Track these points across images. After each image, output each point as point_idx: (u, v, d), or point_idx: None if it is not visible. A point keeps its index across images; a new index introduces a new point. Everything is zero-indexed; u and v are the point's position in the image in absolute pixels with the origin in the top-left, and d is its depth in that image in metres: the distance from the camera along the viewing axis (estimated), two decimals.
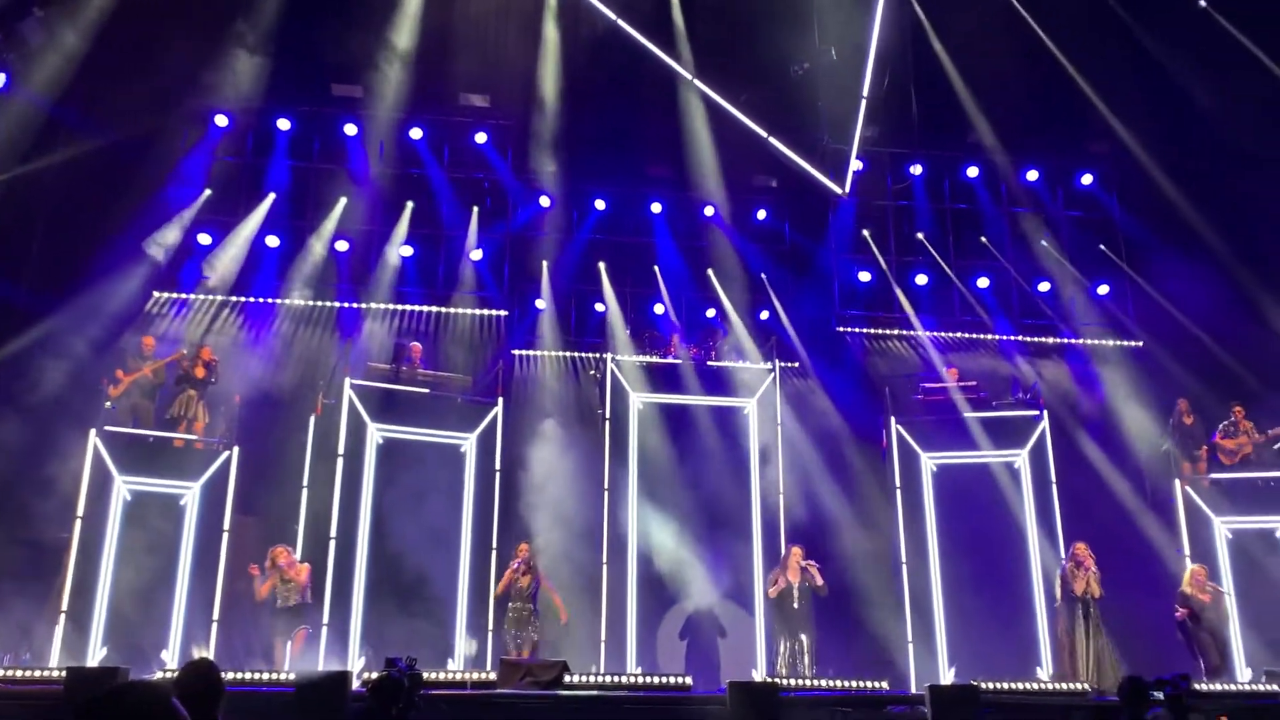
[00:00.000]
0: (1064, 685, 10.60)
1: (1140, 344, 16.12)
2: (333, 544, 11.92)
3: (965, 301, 16.59)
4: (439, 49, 15.30)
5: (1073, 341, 16.33)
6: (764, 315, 15.99)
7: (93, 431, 11.73)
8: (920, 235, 16.83)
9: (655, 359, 14.11)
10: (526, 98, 15.65)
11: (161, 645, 11.31)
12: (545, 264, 15.76)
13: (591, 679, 9.96)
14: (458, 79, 15.93)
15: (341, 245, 15.23)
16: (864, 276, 16.53)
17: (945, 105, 16.38)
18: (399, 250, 15.38)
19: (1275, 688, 10.53)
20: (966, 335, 16.28)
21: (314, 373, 14.00)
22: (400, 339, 14.04)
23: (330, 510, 12.09)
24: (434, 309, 15.30)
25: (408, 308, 15.25)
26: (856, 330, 16.23)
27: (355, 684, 9.13)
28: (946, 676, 12.42)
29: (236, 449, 12.33)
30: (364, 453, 12.41)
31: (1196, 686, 9.30)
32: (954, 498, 13.49)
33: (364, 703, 6.89)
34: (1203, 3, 15.32)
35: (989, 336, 16.26)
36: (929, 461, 13.66)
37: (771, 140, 16.05)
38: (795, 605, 11.77)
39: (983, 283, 16.63)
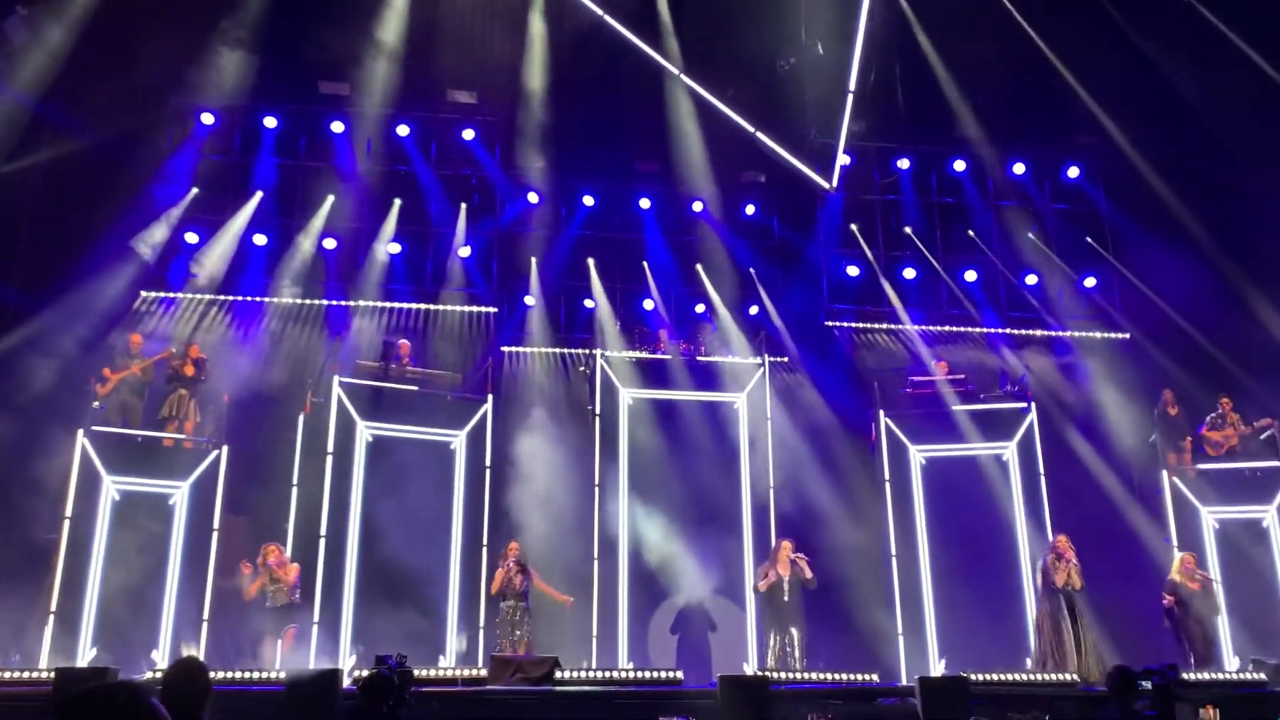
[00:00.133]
0: (1053, 676, 10.65)
1: (1127, 336, 16.20)
2: (323, 542, 11.91)
3: (953, 295, 16.64)
4: (426, 46, 15.28)
5: (1060, 334, 16.40)
6: (753, 310, 16.00)
7: (80, 432, 11.70)
8: (908, 229, 16.87)
9: (645, 355, 14.12)
10: (514, 94, 15.63)
11: (151, 645, 11.30)
12: (534, 260, 15.75)
13: (583, 674, 9.97)
14: (445, 76, 15.89)
15: (329, 243, 15.20)
16: (852, 271, 16.57)
17: (932, 99, 16.41)
18: (387, 247, 15.35)
19: (1262, 676, 10.60)
20: (954, 329, 16.33)
21: (303, 371, 13.97)
22: (389, 336, 14.01)
23: (320, 508, 12.06)
24: (423, 306, 15.28)
25: (396, 305, 15.23)
26: (845, 324, 16.28)
27: (346, 682, 9.14)
28: (936, 668, 12.47)
29: (225, 448, 12.32)
30: (353, 451, 12.39)
31: (1184, 676, 9.37)
32: (943, 490, 13.55)
33: (355, 701, 6.90)
34: None
35: (977, 330, 16.30)
36: (918, 454, 13.71)
37: (759, 135, 16.06)
38: (786, 599, 11.79)
39: (970, 276, 16.68)
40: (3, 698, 8.79)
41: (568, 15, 15.82)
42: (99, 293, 13.47)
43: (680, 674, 10.04)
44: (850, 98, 16.37)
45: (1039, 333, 16.46)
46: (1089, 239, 16.87)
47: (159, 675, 9.05)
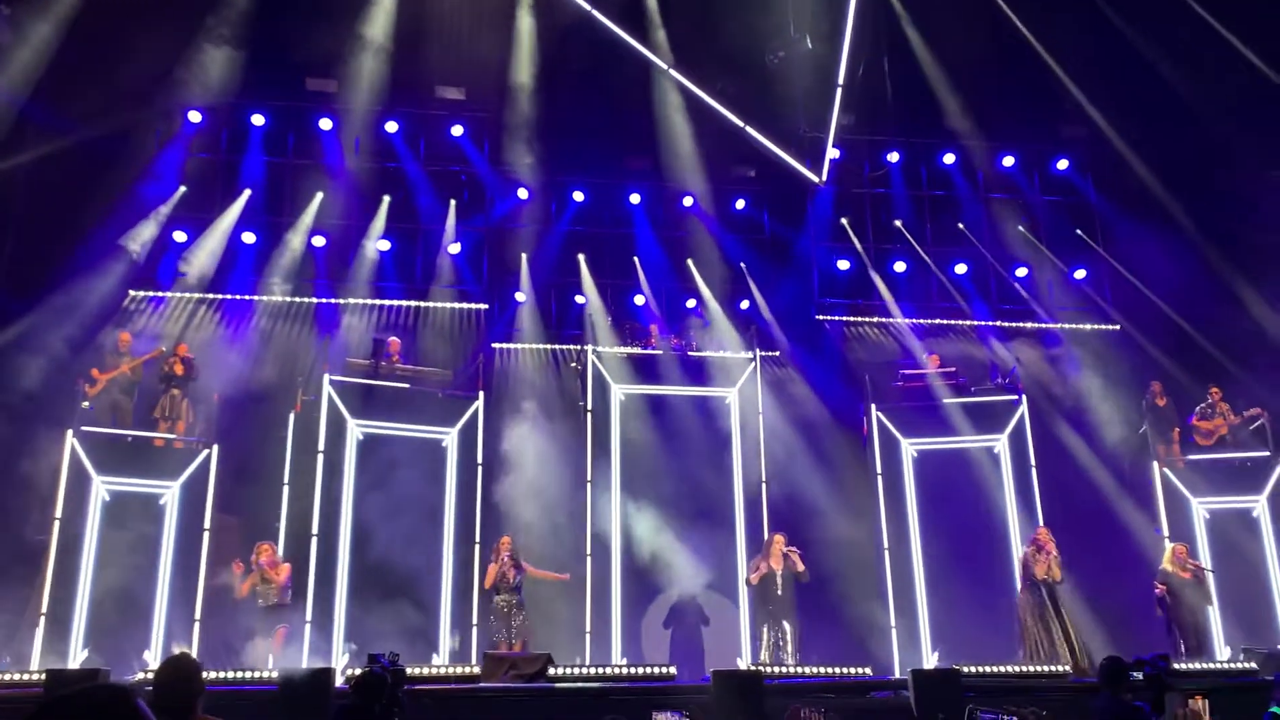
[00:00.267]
0: (1045, 667, 10.68)
1: (1117, 327, 16.24)
2: (314, 541, 11.87)
3: (943, 288, 16.66)
4: (413, 42, 15.23)
5: (1050, 326, 16.43)
6: (744, 305, 16.01)
7: (69, 432, 11.65)
8: (898, 223, 16.89)
9: (636, 350, 14.11)
10: (502, 90, 15.62)
11: (143, 646, 11.26)
12: (524, 256, 15.71)
13: (576, 671, 9.97)
14: (433, 72, 15.86)
15: (318, 240, 15.13)
16: (843, 265, 16.57)
17: (921, 92, 16.43)
18: (376, 244, 15.30)
19: (1253, 665, 10.64)
20: (945, 321, 16.36)
21: (293, 369, 13.93)
22: (379, 334, 13.96)
23: (311, 507, 12.03)
24: (413, 303, 15.26)
25: (386, 302, 15.20)
26: (836, 318, 16.29)
27: (339, 681, 9.13)
28: (929, 661, 12.51)
29: (216, 447, 12.28)
30: (344, 449, 12.35)
31: (1175, 666, 9.40)
32: (935, 483, 13.58)
33: (348, 699, 6.89)
34: None
35: (967, 322, 16.34)
36: (909, 447, 13.73)
37: (748, 129, 16.05)
38: (779, 593, 11.81)
39: (960, 269, 16.70)
40: None
41: (555, 10, 15.78)
42: (87, 292, 13.42)
43: (674, 669, 10.05)
44: (839, 91, 16.38)
45: (1029, 325, 16.50)
46: (1078, 231, 16.92)
47: (149, 676, 9.06)
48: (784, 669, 10.56)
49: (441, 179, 15.99)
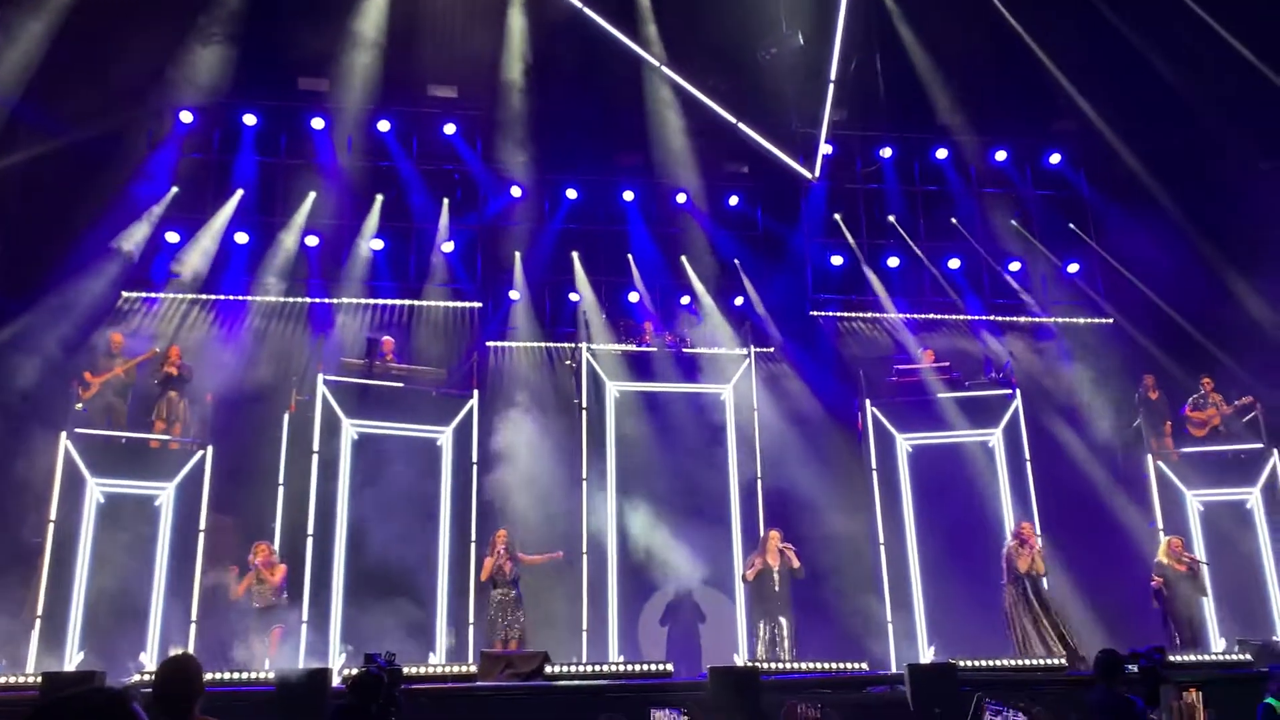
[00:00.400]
0: (1041, 660, 10.71)
1: (1110, 320, 16.29)
2: (310, 541, 11.85)
3: (936, 283, 16.68)
4: (405, 40, 15.21)
5: (1043, 320, 16.47)
6: (738, 301, 16.02)
7: (63, 434, 11.62)
8: (891, 218, 16.90)
9: (630, 347, 14.11)
10: (494, 88, 15.59)
11: (139, 648, 11.25)
12: (518, 254, 15.71)
13: (573, 669, 9.97)
14: (425, 70, 15.83)
15: (312, 240, 15.12)
16: (836, 260, 16.59)
17: (913, 87, 16.45)
18: (370, 244, 15.28)
19: (1247, 657, 10.68)
20: (938, 316, 16.39)
21: (287, 369, 13.91)
22: (373, 333, 13.95)
23: (307, 507, 12.01)
24: (406, 302, 15.25)
25: (380, 301, 15.19)
26: (830, 314, 16.31)
27: (336, 681, 9.12)
28: (925, 655, 12.53)
29: (210, 448, 12.26)
30: (339, 449, 12.33)
31: (1170, 658, 9.43)
32: (930, 478, 13.59)
33: (344, 700, 6.89)
34: None
35: (961, 317, 16.37)
36: (904, 443, 13.75)
37: (741, 126, 16.06)
38: (775, 589, 11.82)
39: (954, 264, 16.71)
40: None
41: (547, 8, 15.76)
42: (80, 293, 13.40)
43: (670, 666, 10.06)
44: (831, 87, 16.39)
45: (1023, 319, 16.54)
46: (1071, 225, 16.94)
47: (146, 678, 9.06)
48: (781, 665, 10.57)
49: (434, 177, 15.97)
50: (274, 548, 11.37)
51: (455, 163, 16.06)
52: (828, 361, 15.74)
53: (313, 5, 14.83)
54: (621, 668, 10.13)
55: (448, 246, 15.50)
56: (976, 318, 16.29)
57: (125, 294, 14.10)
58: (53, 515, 11.37)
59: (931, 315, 16.39)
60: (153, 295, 14.30)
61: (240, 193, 15.00)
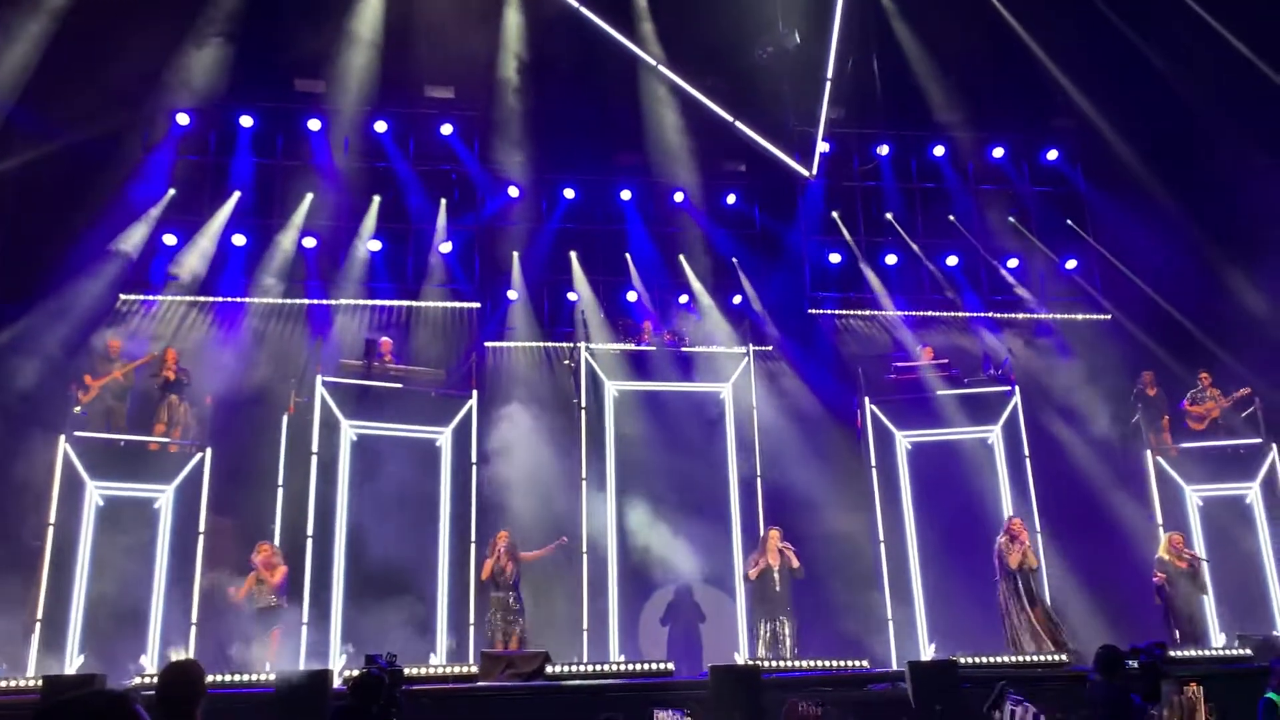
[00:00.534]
0: (1042, 657, 10.73)
1: (1108, 317, 16.29)
2: (310, 543, 11.84)
3: (934, 280, 16.68)
4: (401, 41, 15.21)
5: (1042, 316, 16.47)
6: (736, 299, 16.01)
7: (62, 438, 11.61)
8: (889, 215, 16.89)
9: (629, 347, 14.11)
10: (491, 88, 15.59)
11: (140, 650, 11.24)
12: (516, 254, 15.69)
13: (574, 668, 9.98)
14: (421, 71, 15.81)
15: (309, 241, 15.10)
16: (834, 258, 16.57)
17: (909, 85, 16.45)
18: (367, 245, 15.27)
19: (1248, 652, 10.69)
20: (937, 313, 16.38)
21: (285, 371, 13.87)
22: (371, 334, 13.95)
23: (306, 509, 12.00)
24: (405, 303, 15.23)
25: (378, 303, 15.18)
26: (828, 312, 16.30)
27: (336, 682, 9.12)
28: (926, 652, 12.53)
29: (209, 450, 12.25)
30: (338, 450, 12.33)
31: (1171, 653, 9.44)
32: (929, 475, 13.58)
33: (345, 701, 6.89)
34: None
35: (959, 314, 16.37)
36: (903, 440, 13.74)
37: (738, 124, 16.06)
38: (776, 588, 11.81)
39: (952, 261, 16.70)
40: None
41: (543, 6, 15.76)
42: (78, 296, 13.40)
43: (671, 665, 10.07)
44: (828, 85, 16.38)
45: (1021, 316, 16.53)
46: (1069, 221, 16.94)
47: (147, 680, 9.06)
48: (781, 663, 10.57)
49: (431, 178, 15.95)
50: (277, 548, 11.36)
51: (452, 163, 16.04)
52: (826, 359, 15.74)
53: (308, 6, 14.81)
54: (623, 667, 10.14)
55: (445, 247, 15.49)
56: (975, 315, 16.28)
57: (123, 296, 14.09)
58: (52, 518, 11.36)
59: (930, 312, 16.38)
60: (151, 298, 14.29)
61: (237, 194, 14.99)
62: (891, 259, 16.64)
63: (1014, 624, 11.54)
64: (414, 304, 15.22)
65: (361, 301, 15.08)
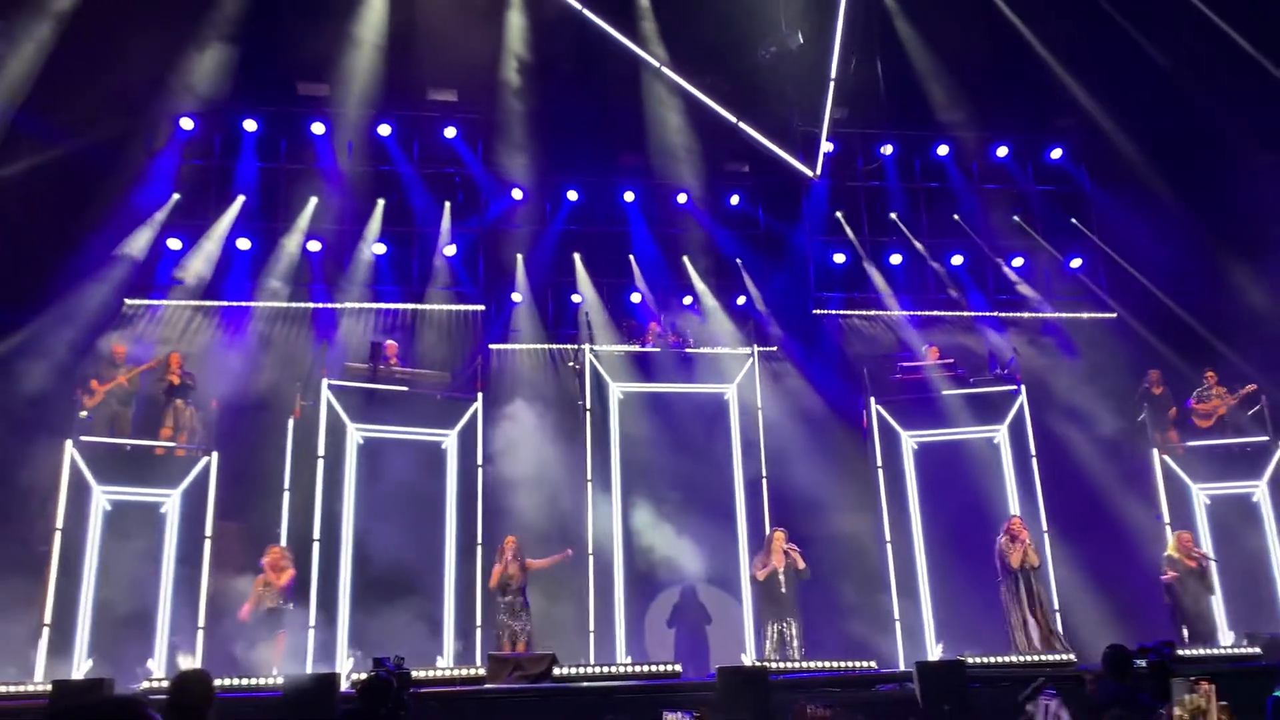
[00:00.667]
0: (1049, 656, 10.71)
1: (1114, 315, 16.27)
2: (316, 546, 11.86)
3: (939, 279, 16.67)
4: (404, 44, 15.21)
5: (1047, 315, 16.45)
6: (740, 300, 16.01)
7: (68, 442, 11.62)
8: (893, 215, 16.89)
9: (633, 348, 14.11)
10: (494, 91, 15.59)
11: (147, 655, 11.25)
12: (520, 257, 15.70)
13: (581, 670, 9.98)
14: (424, 74, 15.84)
15: (314, 245, 15.12)
16: (839, 258, 16.57)
17: (913, 85, 16.43)
18: (372, 248, 15.28)
19: (1257, 650, 10.67)
20: (942, 313, 16.36)
21: (291, 375, 13.87)
22: (376, 337, 13.95)
23: (312, 512, 12.01)
24: (409, 306, 15.24)
25: (383, 306, 15.19)
26: (833, 312, 16.29)
27: (344, 685, 9.12)
28: (934, 653, 12.51)
29: (215, 454, 12.25)
30: (344, 453, 12.34)
31: (1179, 652, 9.41)
32: (936, 475, 13.56)
33: (353, 704, 6.89)
34: None
35: (964, 314, 16.34)
36: (909, 440, 13.72)
37: (741, 125, 16.05)
38: (783, 590, 11.77)
39: (956, 260, 16.68)
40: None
41: (545, 7, 15.76)
42: (84, 300, 13.42)
43: (678, 667, 10.06)
44: (832, 85, 16.37)
45: (1026, 315, 16.52)
46: (1073, 220, 16.93)
47: (155, 685, 9.07)
48: (789, 664, 10.56)
49: (435, 181, 15.96)
50: (287, 551, 11.36)
51: (456, 166, 16.06)
52: (831, 359, 15.73)
53: (311, 10, 14.82)
54: (630, 669, 10.13)
55: (450, 250, 15.50)
56: (980, 314, 16.25)
57: (128, 301, 14.12)
58: (59, 523, 11.36)
59: (935, 312, 16.36)
60: (156, 302, 14.32)
61: (242, 199, 15.00)
62: (896, 259, 16.63)
63: (1013, 624, 11.54)
64: (419, 307, 15.22)
65: (366, 305, 15.09)
